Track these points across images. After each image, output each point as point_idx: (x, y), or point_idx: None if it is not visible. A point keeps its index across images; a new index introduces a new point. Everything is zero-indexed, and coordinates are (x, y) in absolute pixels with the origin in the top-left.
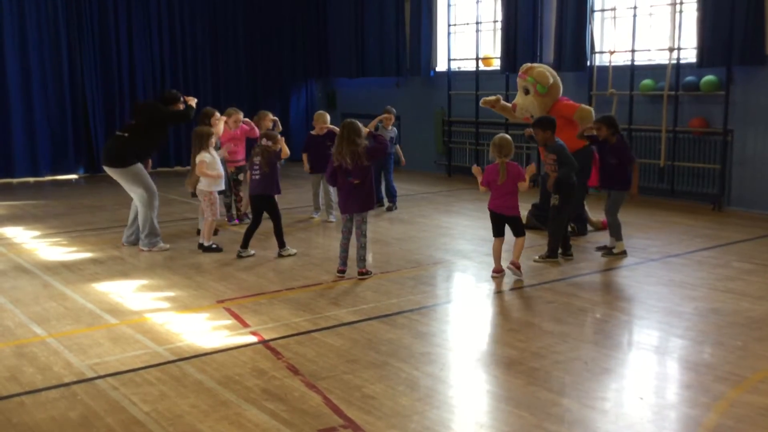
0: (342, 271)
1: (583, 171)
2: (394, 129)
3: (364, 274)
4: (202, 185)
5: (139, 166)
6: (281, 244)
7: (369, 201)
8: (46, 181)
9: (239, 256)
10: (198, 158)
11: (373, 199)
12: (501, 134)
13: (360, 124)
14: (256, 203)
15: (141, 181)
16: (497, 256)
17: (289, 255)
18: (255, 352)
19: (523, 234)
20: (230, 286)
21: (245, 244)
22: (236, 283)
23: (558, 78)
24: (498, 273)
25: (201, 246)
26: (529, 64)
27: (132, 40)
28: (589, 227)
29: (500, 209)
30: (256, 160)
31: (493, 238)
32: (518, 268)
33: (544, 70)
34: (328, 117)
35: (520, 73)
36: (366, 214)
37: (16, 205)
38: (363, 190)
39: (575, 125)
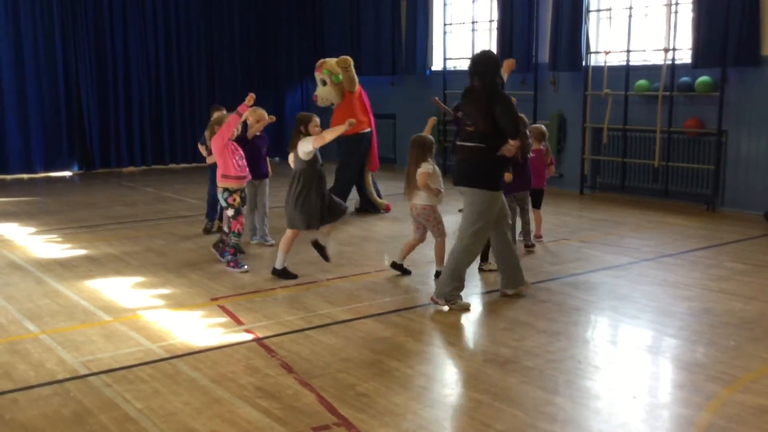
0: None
1: (356, 155)
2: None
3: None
4: (422, 199)
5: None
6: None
7: None
8: (39, 178)
9: (480, 270)
10: (420, 169)
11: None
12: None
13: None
14: None
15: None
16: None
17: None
18: (249, 349)
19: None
20: (224, 284)
21: (485, 256)
22: (230, 280)
23: (352, 71)
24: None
25: (393, 264)
26: (322, 60)
27: (127, 36)
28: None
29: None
30: None
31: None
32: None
33: (335, 62)
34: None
35: (315, 68)
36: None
37: (9, 202)
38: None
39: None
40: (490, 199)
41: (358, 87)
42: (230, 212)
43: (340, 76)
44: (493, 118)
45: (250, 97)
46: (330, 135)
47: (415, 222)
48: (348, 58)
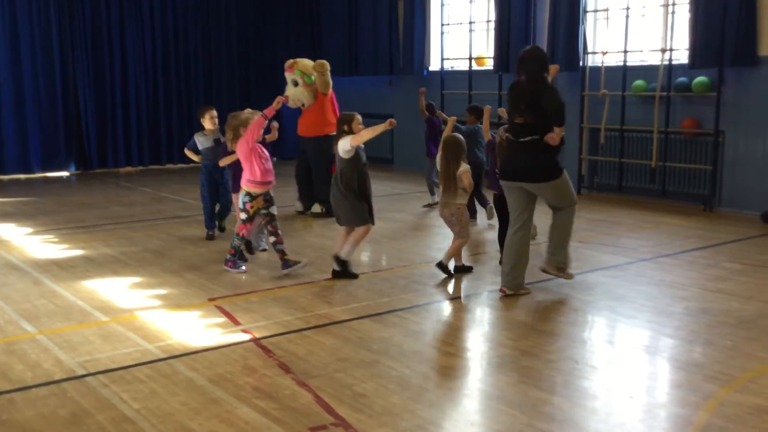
0: None
1: (325, 157)
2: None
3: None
4: (461, 198)
5: None
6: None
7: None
8: (36, 178)
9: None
10: (462, 168)
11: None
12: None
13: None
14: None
15: None
16: None
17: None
18: (246, 350)
19: None
20: (222, 284)
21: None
22: (228, 281)
23: (328, 75)
24: None
25: (440, 265)
26: (293, 60)
27: (124, 36)
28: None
29: None
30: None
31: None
32: None
33: (308, 62)
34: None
35: (286, 68)
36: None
37: (6, 202)
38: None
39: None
40: (561, 183)
41: (330, 90)
42: (243, 216)
43: (313, 77)
44: (540, 107)
45: (278, 101)
46: (368, 134)
47: (447, 223)
48: (325, 62)
